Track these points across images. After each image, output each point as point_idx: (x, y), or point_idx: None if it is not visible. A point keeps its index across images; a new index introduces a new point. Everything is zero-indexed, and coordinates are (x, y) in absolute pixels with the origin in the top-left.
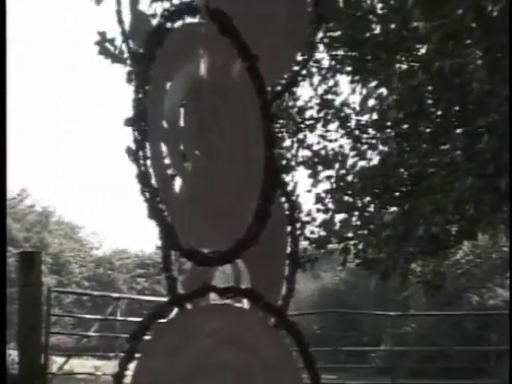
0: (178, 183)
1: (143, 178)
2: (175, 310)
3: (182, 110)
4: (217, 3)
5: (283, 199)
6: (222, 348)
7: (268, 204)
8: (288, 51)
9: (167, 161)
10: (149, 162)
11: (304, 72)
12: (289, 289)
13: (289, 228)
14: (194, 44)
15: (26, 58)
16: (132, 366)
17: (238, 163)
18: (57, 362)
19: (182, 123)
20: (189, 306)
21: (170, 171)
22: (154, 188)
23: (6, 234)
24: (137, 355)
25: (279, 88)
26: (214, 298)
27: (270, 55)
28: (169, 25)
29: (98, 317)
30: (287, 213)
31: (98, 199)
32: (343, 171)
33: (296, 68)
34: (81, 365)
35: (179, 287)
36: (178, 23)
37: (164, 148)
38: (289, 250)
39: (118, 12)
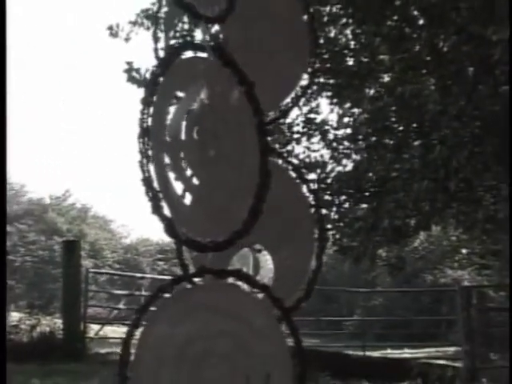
0: (178, 186)
1: (147, 181)
2: (177, 288)
3: (183, 127)
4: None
5: (304, 190)
6: (216, 319)
7: (261, 202)
8: (292, 78)
9: (169, 168)
10: (152, 169)
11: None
12: (318, 264)
13: (315, 212)
14: (195, 74)
15: (41, 60)
16: (138, 333)
17: (235, 170)
18: (93, 328)
19: (183, 137)
20: (189, 285)
21: (171, 176)
22: (156, 190)
23: (5, 235)
24: (143, 324)
25: (288, 106)
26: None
27: (280, 81)
28: (173, 58)
29: (127, 292)
30: (312, 201)
31: (126, 197)
32: (323, 175)
33: (299, 90)
34: (113, 331)
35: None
36: (182, 57)
37: (166, 158)
38: (317, 231)
39: (155, 50)
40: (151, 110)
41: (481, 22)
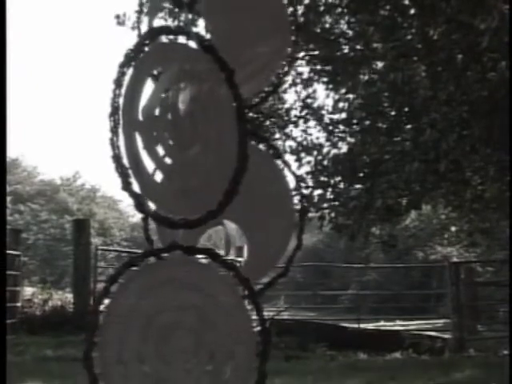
0: (150, 165)
1: (116, 158)
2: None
3: (157, 108)
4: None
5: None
6: (183, 293)
7: (237, 184)
8: (273, 64)
9: (140, 146)
10: (122, 146)
11: (288, 80)
12: (298, 244)
13: (296, 191)
14: (172, 58)
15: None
16: (106, 302)
17: (211, 152)
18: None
19: (156, 117)
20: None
21: (142, 154)
22: (126, 167)
23: (5, 234)
24: (111, 295)
25: (265, 93)
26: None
27: (261, 67)
28: (149, 40)
29: (134, 268)
30: (293, 182)
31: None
32: (320, 157)
33: (279, 77)
34: None
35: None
36: (159, 40)
37: (138, 136)
38: (298, 209)
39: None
40: (123, 90)
41: (469, 11)
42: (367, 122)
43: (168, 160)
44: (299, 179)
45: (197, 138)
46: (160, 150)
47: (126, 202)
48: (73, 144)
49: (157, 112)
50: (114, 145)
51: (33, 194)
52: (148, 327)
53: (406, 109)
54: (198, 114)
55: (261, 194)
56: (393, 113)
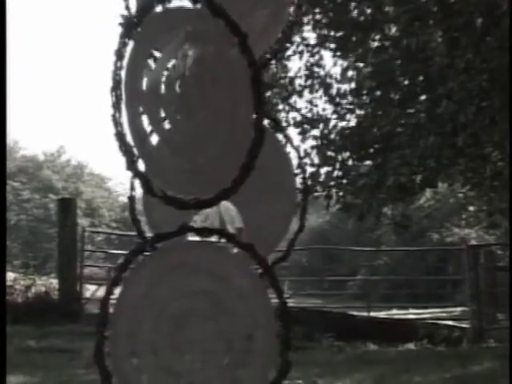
0: (155, 140)
1: (119, 136)
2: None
3: (163, 80)
4: None
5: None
6: (197, 278)
7: (254, 159)
8: (275, 28)
9: (145, 122)
10: (126, 123)
11: (291, 46)
12: (300, 226)
13: (298, 168)
14: (177, 25)
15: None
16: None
17: (223, 125)
18: (90, 289)
19: (162, 91)
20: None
21: (147, 130)
22: (130, 145)
23: (5, 234)
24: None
25: (267, 57)
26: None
27: (260, 32)
28: (152, 7)
29: (124, 252)
30: (295, 160)
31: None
32: (326, 131)
33: (280, 41)
34: None
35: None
36: (162, 6)
37: (142, 111)
38: (300, 188)
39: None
40: (125, 62)
41: None
42: (378, 93)
43: (176, 135)
44: (302, 155)
45: (207, 109)
46: (167, 125)
47: (116, 180)
48: (57, 116)
49: (162, 84)
50: (116, 121)
51: (14, 171)
52: (161, 316)
53: (421, 78)
54: (208, 83)
55: (259, 170)
56: (406, 82)
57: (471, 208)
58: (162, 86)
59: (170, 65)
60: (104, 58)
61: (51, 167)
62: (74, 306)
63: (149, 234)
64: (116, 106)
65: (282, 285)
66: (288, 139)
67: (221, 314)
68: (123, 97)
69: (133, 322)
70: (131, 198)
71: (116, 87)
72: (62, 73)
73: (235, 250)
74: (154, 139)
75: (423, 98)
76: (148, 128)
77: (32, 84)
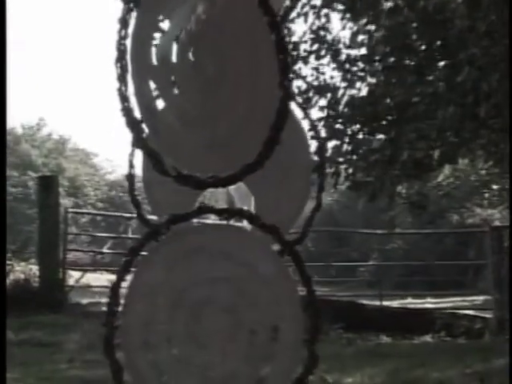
0: (166, 114)
1: (127, 111)
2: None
3: (174, 48)
4: None
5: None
6: (217, 263)
7: (279, 132)
8: None
9: (155, 95)
10: (133, 97)
11: (297, 9)
12: (317, 204)
13: (314, 139)
14: None
15: None
16: (128, 278)
17: (243, 94)
18: (74, 276)
19: (174, 60)
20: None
21: (157, 103)
22: (138, 120)
23: (5, 233)
24: (134, 269)
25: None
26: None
27: None
28: None
29: (112, 235)
30: (310, 133)
31: (110, 126)
32: (334, 101)
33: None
34: (96, 279)
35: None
36: None
37: (152, 83)
38: (316, 165)
39: None
40: (130, 30)
41: None
42: (392, 59)
43: (191, 107)
44: (314, 125)
45: (226, 78)
46: (181, 97)
47: (102, 156)
48: (37, 85)
49: (174, 52)
50: (123, 96)
51: None
52: (177, 304)
53: (439, 42)
54: (226, 48)
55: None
56: (423, 47)
57: (494, 186)
58: (174, 55)
59: (181, 30)
60: (89, 22)
61: (30, 141)
62: (57, 295)
63: (150, 217)
64: (122, 79)
65: None
66: (301, 107)
67: (243, 303)
68: (129, 68)
69: (146, 311)
70: (131, 177)
71: (121, 58)
72: (43, 37)
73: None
74: (165, 113)
75: (442, 64)
76: (158, 101)
77: (10, 49)
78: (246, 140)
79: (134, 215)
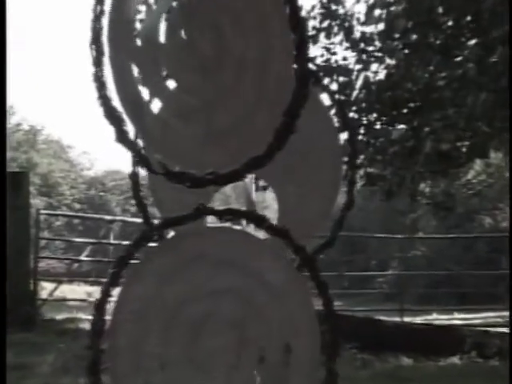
0: (155, 104)
1: (104, 100)
2: (168, 233)
3: (163, 27)
4: None
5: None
6: (220, 273)
7: (294, 118)
8: None
9: (139, 81)
10: (113, 84)
11: None
12: (348, 203)
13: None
14: None
15: None
16: (116, 292)
17: (250, 76)
18: (47, 288)
19: (162, 40)
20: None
21: (142, 91)
22: (118, 111)
23: (5, 232)
24: (122, 281)
25: None
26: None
27: None
28: None
29: (90, 240)
30: (337, 119)
31: (88, 117)
32: (348, 85)
33: None
34: (72, 291)
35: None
36: None
37: (135, 68)
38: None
39: None
40: (108, 6)
41: None
42: (414, 36)
43: (184, 95)
44: (343, 111)
45: (226, 59)
46: (170, 83)
47: (79, 149)
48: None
49: (163, 31)
50: (99, 82)
51: None
52: (173, 322)
53: (469, 17)
54: (227, 24)
55: (294, 135)
56: (450, 23)
57: None
58: (162, 34)
59: (171, 4)
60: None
61: None
62: (27, 309)
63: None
64: (97, 63)
65: None
66: (327, 92)
67: (250, 318)
68: (107, 51)
69: (137, 330)
70: (134, 176)
71: (96, 39)
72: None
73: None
74: (153, 102)
75: (472, 43)
76: (144, 88)
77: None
78: (253, 130)
79: (117, 217)
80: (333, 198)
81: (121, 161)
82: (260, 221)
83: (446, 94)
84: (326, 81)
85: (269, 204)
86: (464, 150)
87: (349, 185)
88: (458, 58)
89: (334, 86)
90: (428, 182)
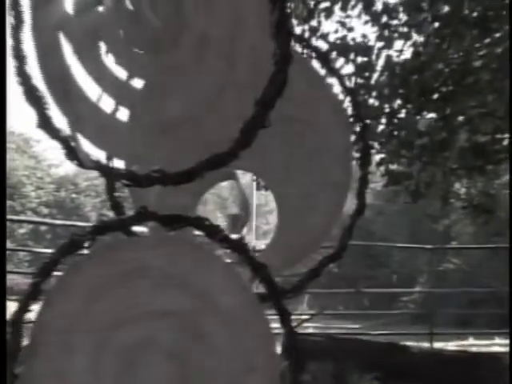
0: (95, 90)
1: (24, 80)
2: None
3: None
4: None
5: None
6: (161, 291)
7: (268, 109)
8: None
9: (77, 67)
10: (41, 71)
11: None
12: (359, 207)
13: (353, 124)
14: None
15: None
16: (36, 308)
17: (215, 58)
18: (8, 307)
19: (101, 8)
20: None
21: (73, 70)
22: (42, 97)
23: (5, 230)
24: (44, 295)
25: None
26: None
27: None
28: None
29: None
30: (347, 107)
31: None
32: (367, 67)
33: None
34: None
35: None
36: None
37: (65, 42)
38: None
39: None
40: None
41: None
42: (446, 8)
43: (129, 77)
44: (355, 99)
45: (182, 33)
46: (112, 64)
47: (47, 143)
48: None
49: (100, 5)
50: (19, 56)
51: None
52: (103, 348)
53: None
54: None
55: (296, 126)
56: None
57: None
58: (101, 2)
59: None
60: None
61: None
62: None
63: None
64: (17, 37)
65: (300, 301)
66: (335, 74)
67: (195, 347)
68: (29, 22)
69: (60, 354)
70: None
71: (16, 2)
72: None
73: (218, 252)
74: (87, 84)
75: None
76: (75, 65)
77: None
78: (216, 120)
79: (91, 224)
80: (341, 201)
81: (96, 156)
82: (212, 231)
83: (483, 77)
84: (340, 61)
85: (272, 208)
86: (505, 143)
87: (360, 186)
88: (498, 34)
89: (351, 68)
90: (463, 181)
